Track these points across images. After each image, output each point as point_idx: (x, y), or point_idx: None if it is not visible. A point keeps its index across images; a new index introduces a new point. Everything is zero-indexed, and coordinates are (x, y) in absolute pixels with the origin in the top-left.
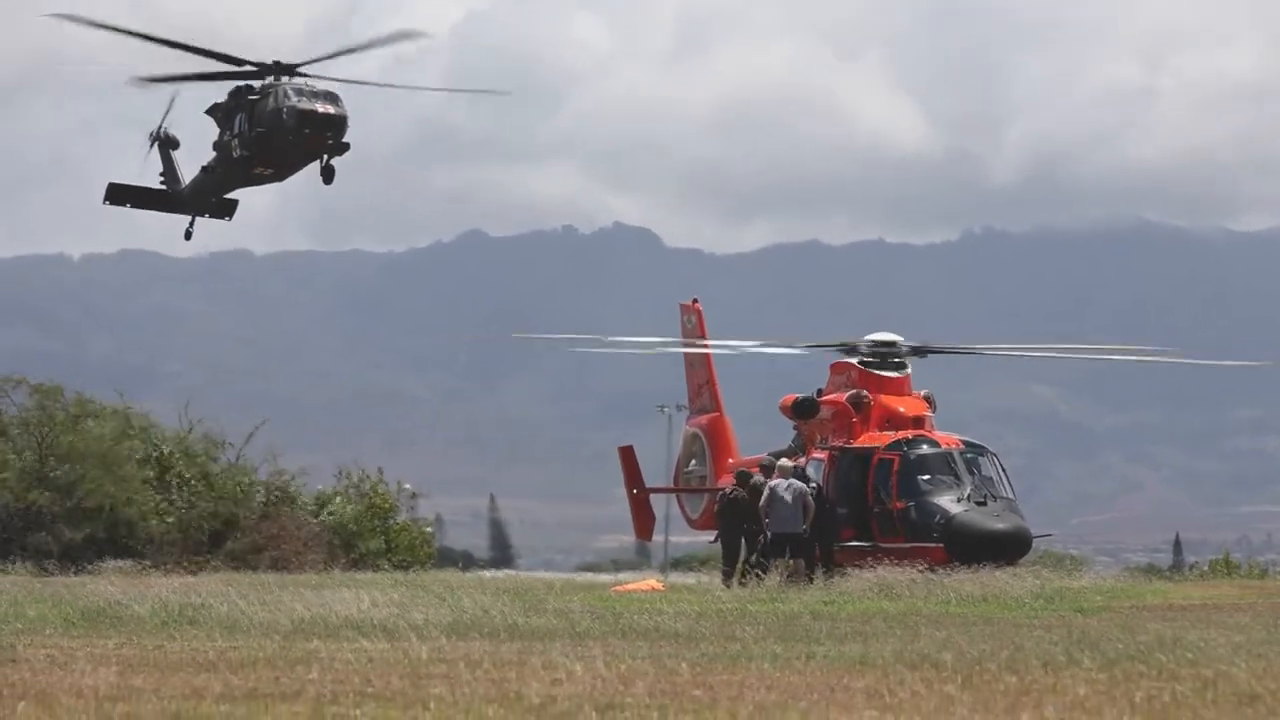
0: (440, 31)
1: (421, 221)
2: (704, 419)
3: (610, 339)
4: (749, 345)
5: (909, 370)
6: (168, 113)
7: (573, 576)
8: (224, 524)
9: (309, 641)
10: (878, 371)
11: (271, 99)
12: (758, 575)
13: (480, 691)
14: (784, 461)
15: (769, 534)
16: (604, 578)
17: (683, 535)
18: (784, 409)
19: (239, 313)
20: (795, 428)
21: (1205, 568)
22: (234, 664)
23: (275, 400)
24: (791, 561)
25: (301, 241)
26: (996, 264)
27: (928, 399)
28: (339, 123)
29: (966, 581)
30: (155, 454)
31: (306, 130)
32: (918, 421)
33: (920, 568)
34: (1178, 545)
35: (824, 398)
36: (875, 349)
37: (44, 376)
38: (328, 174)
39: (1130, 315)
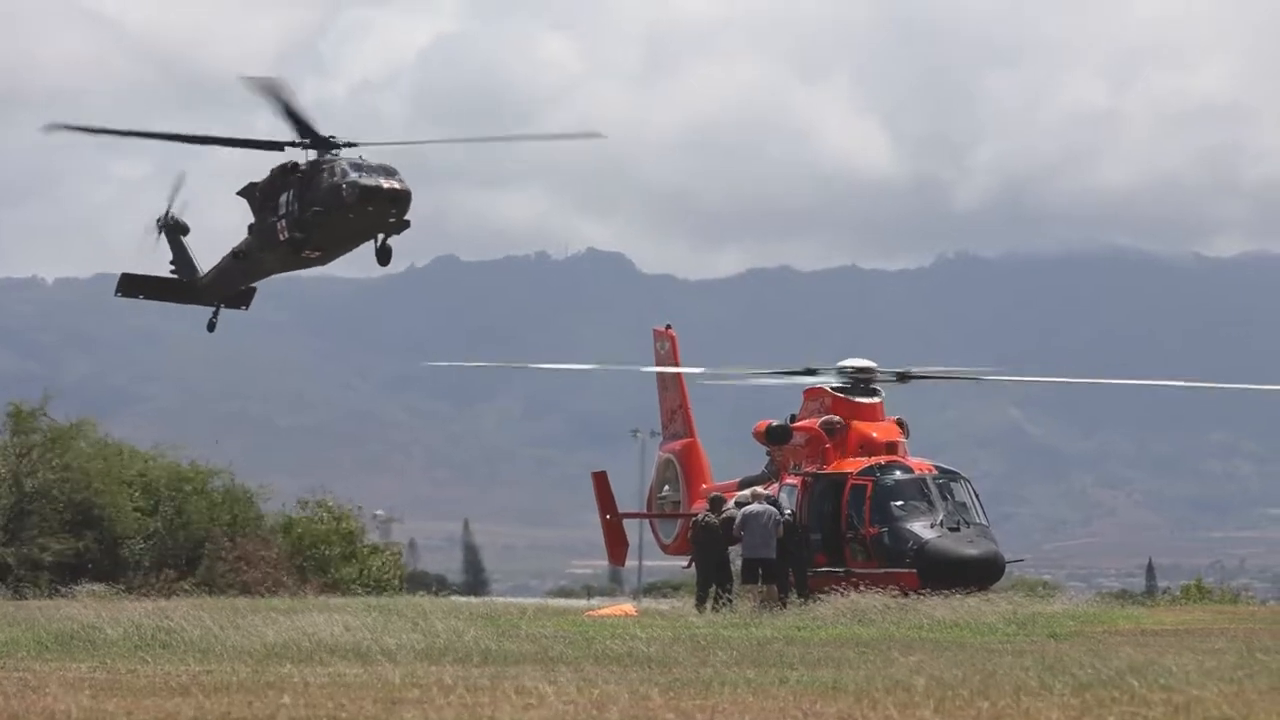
0: (408, 55)
1: (395, 246)
2: (677, 444)
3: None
4: (738, 374)
5: (882, 396)
6: (176, 196)
7: (546, 601)
8: (197, 547)
9: (282, 666)
10: (851, 397)
11: (327, 175)
12: (728, 600)
13: (453, 716)
14: (757, 489)
15: (741, 558)
16: (577, 603)
17: (657, 560)
18: (757, 435)
19: (214, 336)
20: (769, 453)
21: (1178, 593)
22: (207, 688)
23: (251, 423)
24: (765, 587)
25: None
26: (970, 289)
27: (901, 424)
28: (404, 199)
29: (939, 607)
30: (140, 477)
31: (369, 208)
32: (891, 447)
33: (893, 593)
34: (1150, 570)
35: (797, 423)
36: (849, 375)
37: (21, 400)
38: (385, 255)
39: (1104, 340)
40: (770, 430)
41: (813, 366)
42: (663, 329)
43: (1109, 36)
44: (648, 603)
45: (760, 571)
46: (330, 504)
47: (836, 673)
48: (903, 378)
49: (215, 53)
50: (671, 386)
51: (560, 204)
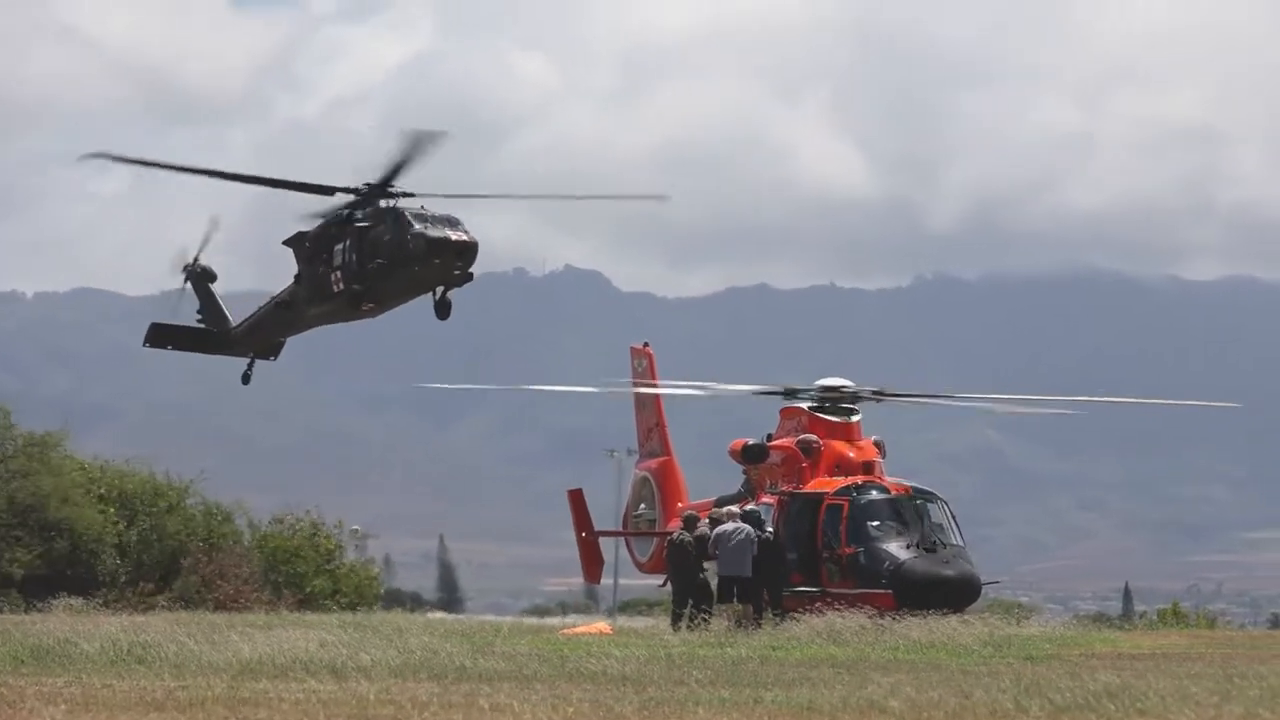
0: (382, 72)
1: None
2: (654, 463)
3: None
4: (725, 387)
5: (859, 416)
6: (204, 245)
7: (522, 619)
8: (172, 562)
9: (257, 681)
10: (828, 417)
11: (389, 227)
12: (704, 619)
13: None
14: (732, 508)
15: (717, 576)
16: (553, 621)
17: (632, 579)
18: (733, 453)
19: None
20: (745, 472)
21: (1154, 617)
22: (182, 704)
23: (229, 439)
24: (740, 606)
25: (251, 281)
26: (948, 310)
27: (878, 445)
28: (471, 251)
29: (915, 628)
30: (116, 493)
31: (436, 260)
32: (867, 467)
33: (869, 614)
34: (1127, 594)
35: (774, 443)
36: (825, 394)
37: None
38: (444, 308)
39: (1083, 361)
40: (746, 449)
41: (792, 386)
42: (640, 346)
43: (1083, 59)
44: (623, 621)
45: (736, 590)
46: (313, 518)
47: (811, 693)
48: (878, 396)
49: (192, 70)
50: (648, 405)
51: (538, 221)
